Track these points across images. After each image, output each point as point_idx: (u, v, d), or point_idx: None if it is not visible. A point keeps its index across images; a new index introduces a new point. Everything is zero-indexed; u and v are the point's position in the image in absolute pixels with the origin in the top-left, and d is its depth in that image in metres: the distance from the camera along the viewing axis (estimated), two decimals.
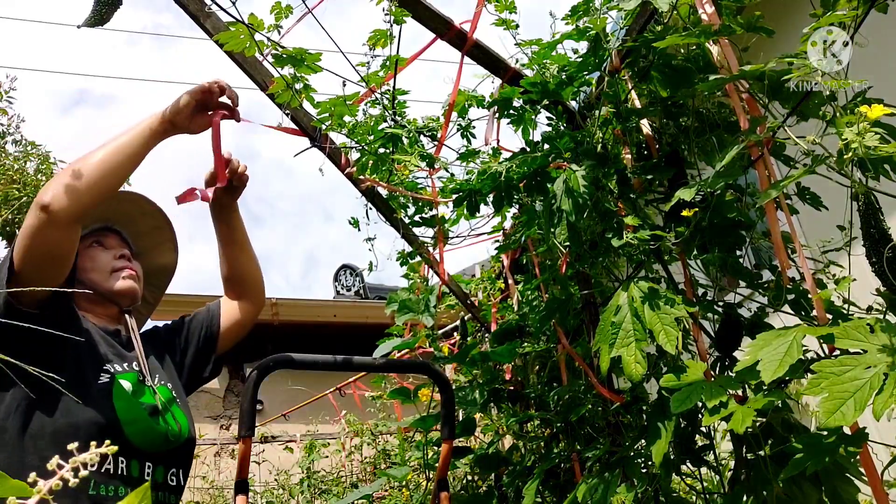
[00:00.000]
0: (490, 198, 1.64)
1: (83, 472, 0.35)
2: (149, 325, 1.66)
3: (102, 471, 1.20)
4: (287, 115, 1.92)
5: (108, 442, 0.38)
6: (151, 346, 1.50)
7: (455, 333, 2.85)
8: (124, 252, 1.48)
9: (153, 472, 1.29)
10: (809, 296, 1.21)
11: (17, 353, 1.11)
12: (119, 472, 1.22)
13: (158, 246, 1.62)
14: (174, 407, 1.39)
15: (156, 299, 1.66)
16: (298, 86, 1.58)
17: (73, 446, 0.40)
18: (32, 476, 0.35)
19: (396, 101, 1.83)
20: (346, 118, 1.83)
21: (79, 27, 1.46)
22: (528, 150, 1.63)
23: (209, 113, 1.37)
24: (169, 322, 1.61)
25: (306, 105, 1.79)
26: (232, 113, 1.40)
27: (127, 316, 1.45)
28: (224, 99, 1.39)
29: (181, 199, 1.34)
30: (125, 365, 1.35)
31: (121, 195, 1.50)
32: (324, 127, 1.85)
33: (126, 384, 1.31)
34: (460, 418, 2.18)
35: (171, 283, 1.69)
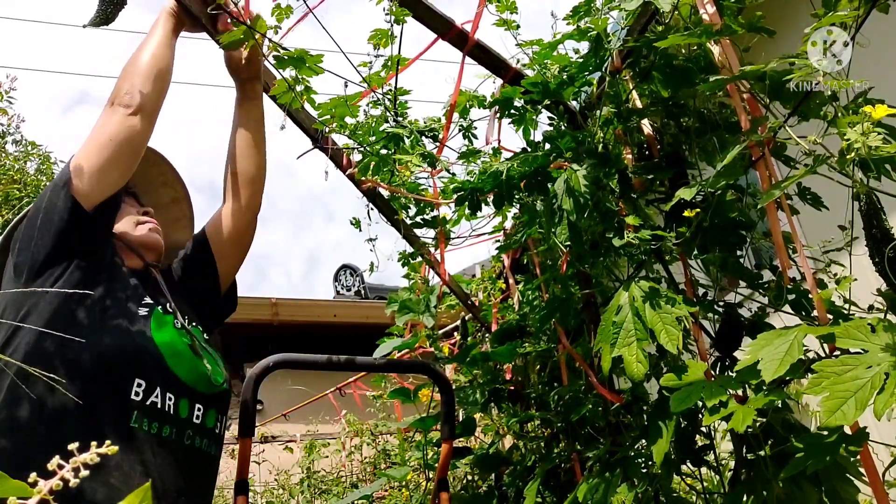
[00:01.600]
0: (491, 197, 1.64)
1: (84, 473, 0.35)
2: None
3: (148, 403, 1.16)
4: (287, 116, 1.92)
5: (108, 442, 0.37)
6: (174, 289, 1.47)
7: (455, 333, 2.85)
8: (148, 210, 1.48)
9: (203, 416, 1.25)
10: (810, 296, 1.21)
11: (63, 252, 1.20)
12: (166, 409, 1.18)
13: (175, 222, 1.59)
14: (212, 350, 1.36)
15: None
16: (300, 87, 1.57)
17: (73, 446, 0.40)
18: (33, 476, 0.35)
19: (398, 102, 1.83)
20: (348, 119, 1.82)
21: (84, 27, 1.46)
22: (529, 149, 1.63)
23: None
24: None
25: (307, 106, 1.79)
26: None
27: (152, 268, 1.42)
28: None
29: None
30: (159, 307, 1.32)
31: (148, 155, 1.47)
32: (325, 129, 1.85)
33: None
34: (460, 418, 2.18)
35: None
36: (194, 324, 1.38)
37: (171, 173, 1.57)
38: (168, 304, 1.34)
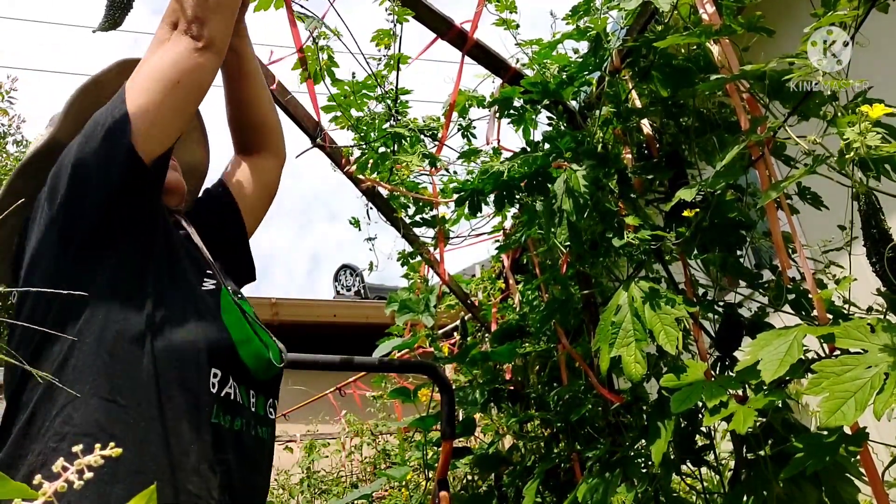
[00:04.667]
0: (491, 197, 1.64)
1: (88, 475, 0.35)
2: None
3: (223, 395, 0.99)
4: (286, 114, 1.92)
5: (112, 445, 0.37)
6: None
7: (455, 333, 2.85)
8: None
9: (256, 404, 1.07)
10: (810, 296, 1.21)
11: (113, 224, 0.98)
12: (238, 399, 1.02)
13: (183, 141, 1.29)
14: (258, 326, 1.16)
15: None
16: (323, 56, 1.58)
17: (83, 451, 0.39)
18: (38, 479, 0.35)
19: (399, 101, 1.84)
20: (353, 112, 1.83)
21: (94, 32, 1.45)
22: (528, 149, 1.63)
23: None
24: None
25: (308, 102, 1.81)
26: None
27: (181, 218, 1.18)
28: None
29: None
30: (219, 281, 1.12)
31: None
32: (329, 119, 1.85)
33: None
34: (460, 418, 2.18)
35: None
36: (240, 295, 1.16)
37: None
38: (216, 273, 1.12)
